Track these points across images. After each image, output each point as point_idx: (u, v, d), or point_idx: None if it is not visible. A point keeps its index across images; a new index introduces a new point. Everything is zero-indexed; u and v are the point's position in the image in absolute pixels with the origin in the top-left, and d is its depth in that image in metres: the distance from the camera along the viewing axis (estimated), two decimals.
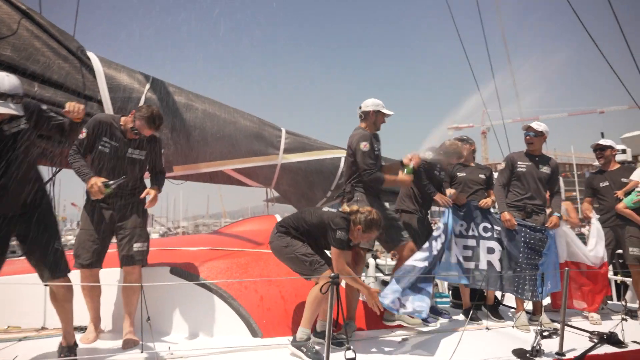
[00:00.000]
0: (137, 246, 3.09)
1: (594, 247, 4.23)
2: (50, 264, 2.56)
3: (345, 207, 3.16)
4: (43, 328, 3.19)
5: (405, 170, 3.75)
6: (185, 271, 3.32)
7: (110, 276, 3.19)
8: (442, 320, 3.94)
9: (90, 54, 4.01)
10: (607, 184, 4.55)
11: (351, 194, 3.62)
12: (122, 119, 3.22)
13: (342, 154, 4.95)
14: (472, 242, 3.97)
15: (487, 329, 3.64)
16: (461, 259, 3.91)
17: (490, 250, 3.97)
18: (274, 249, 3.14)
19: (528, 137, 4.21)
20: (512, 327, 3.81)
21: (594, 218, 4.44)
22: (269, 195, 5.17)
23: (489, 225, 4.03)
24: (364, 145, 3.54)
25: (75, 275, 2.88)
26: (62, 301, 2.65)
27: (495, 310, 4.12)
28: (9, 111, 2.45)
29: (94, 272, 3.03)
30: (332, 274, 2.40)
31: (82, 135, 3.06)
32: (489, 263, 3.96)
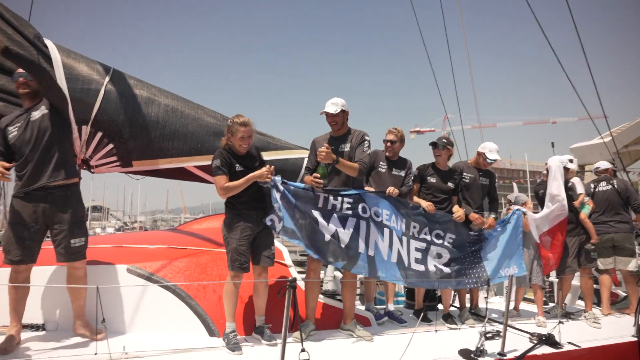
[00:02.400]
0: (74, 242, 2.98)
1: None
2: None
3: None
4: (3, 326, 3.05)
5: (320, 170, 3.49)
6: (143, 270, 3.28)
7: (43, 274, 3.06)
8: (395, 323, 4.09)
9: (48, 42, 3.85)
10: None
11: None
12: None
13: (305, 154, 4.99)
14: (422, 245, 4.01)
15: (436, 330, 3.81)
16: (411, 260, 3.90)
17: (439, 256, 4.08)
18: None
19: (490, 162, 4.58)
20: (459, 326, 4.05)
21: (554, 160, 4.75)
22: None
23: (442, 233, 4.12)
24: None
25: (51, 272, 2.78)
26: None
27: (450, 317, 4.27)
28: None
29: (22, 269, 2.88)
30: (290, 278, 2.46)
31: None
32: (436, 267, 4.03)
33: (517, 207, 4.55)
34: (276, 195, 3.33)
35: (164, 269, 3.38)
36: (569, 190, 4.92)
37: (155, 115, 4.30)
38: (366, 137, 3.66)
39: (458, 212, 4.21)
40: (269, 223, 3.29)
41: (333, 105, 3.59)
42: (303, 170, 4.43)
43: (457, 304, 4.79)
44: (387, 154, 4.20)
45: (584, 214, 4.95)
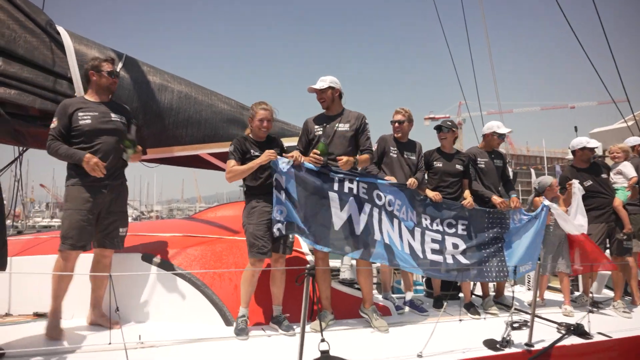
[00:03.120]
0: (122, 231, 3.10)
1: (575, 216, 4.38)
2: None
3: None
4: (7, 314, 3.06)
5: (320, 146, 3.34)
6: (158, 258, 3.23)
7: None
8: (417, 313, 3.99)
9: (60, 29, 3.78)
10: (591, 182, 4.65)
11: None
12: None
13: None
14: (437, 236, 3.90)
15: (460, 320, 3.70)
16: (426, 252, 3.78)
17: (455, 246, 3.95)
18: None
19: (501, 140, 4.51)
20: (482, 314, 3.93)
21: (576, 187, 4.49)
22: None
23: (453, 222, 3.99)
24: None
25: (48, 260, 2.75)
26: None
27: (472, 307, 4.13)
28: None
29: (75, 256, 2.90)
30: (308, 266, 2.37)
31: None
32: (454, 257, 3.91)
33: (545, 202, 4.32)
34: (281, 180, 3.20)
35: (179, 257, 3.33)
36: (619, 174, 4.72)
37: (168, 101, 4.23)
38: (366, 121, 3.59)
39: (468, 198, 4.09)
40: (277, 233, 3.14)
41: (320, 82, 3.55)
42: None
43: (477, 292, 4.67)
44: (396, 135, 4.07)
45: (619, 200, 4.62)
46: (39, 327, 2.82)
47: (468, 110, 9.16)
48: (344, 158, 3.30)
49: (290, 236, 3.29)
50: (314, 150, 3.34)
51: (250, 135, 3.40)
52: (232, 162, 3.22)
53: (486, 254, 4.04)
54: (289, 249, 3.29)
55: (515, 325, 3.35)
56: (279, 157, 3.23)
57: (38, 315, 3.04)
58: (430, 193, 3.98)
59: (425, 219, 3.88)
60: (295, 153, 3.31)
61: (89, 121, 2.97)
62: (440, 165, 4.25)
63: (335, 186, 3.37)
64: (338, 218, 3.34)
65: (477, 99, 7.82)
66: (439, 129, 4.35)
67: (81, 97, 3.12)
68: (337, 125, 3.51)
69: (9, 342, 2.59)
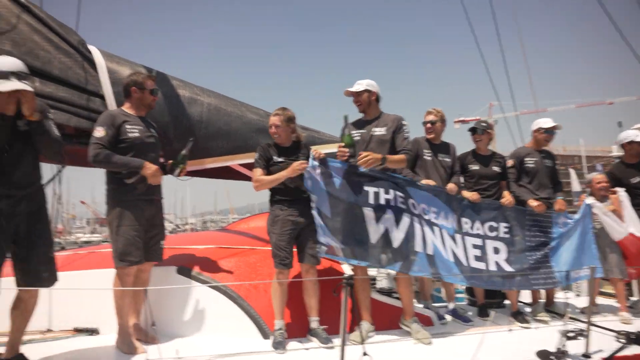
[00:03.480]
0: (162, 243, 3.12)
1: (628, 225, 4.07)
2: (49, 270, 2.52)
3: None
4: (49, 330, 3.09)
5: (345, 139, 3.20)
6: (193, 271, 3.21)
7: (98, 277, 3.03)
8: (460, 322, 3.80)
9: (92, 48, 3.88)
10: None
11: None
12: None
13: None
14: (479, 241, 3.71)
15: (510, 330, 3.49)
16: (469, 259, 3.61)
17: (496, 251, 3.75)
18: None
19: (550, 136, 4.26)
20: (531, 321, 3.72)
21: (622, 195, 4.19)
22: None
23: (494, 224, 3.79)
24: None
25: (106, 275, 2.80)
26: (29, 311, 2.53)
27: (520, 315, 3.88)
28: (20, 86, 2.36)
29: (134, 271, 2.94)
30: (346, 275, 2.27)
31: None
32: (497, 264, 3.71)
33: (587, 201, 4.06)
34: (314, 197, 3.12)
35: (214, 269, 3.30)
36: None
37: (198, 114, 4.27)
38: (404, 122, 3.46)
39: (506, 197, 3.91)
40: (323, 253, 3.06)
41: (357, 85, 3.50)
42: None
43: (524, 299, 4.41)
44: (428, 136, 3.93)
45: None
46: (79, 343, 2.84)
47: (502, 110, 8.84)
48: (364, 153, 3.14)
49: (318, 245, 3.18)
50: (340, 145, 3.23)
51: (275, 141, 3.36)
52: (258, 171, 3.20)
53: (531, 259, 3.82)
54: (315, 259, 3.18)
55: (571, 334, 3.12)
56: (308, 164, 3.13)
57: (78, 331, 3.07)
58: (467, 194, 3.81)
59: (466, 223, 3.70)
60: (315, 149, 3.25)
61: (137, 134, 2.99)
62: (477, 168, 4.10)
63: (371, 198, 3.23)
64: (375, 231, 3.21)
65: (512, 98, 7.55)
66: (473, 130, 4.20)
67: (121, 109, 3.14)
68: (373, 129, 3.42)
69: (50, 357, 2.60)
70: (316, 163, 3.14)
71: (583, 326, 3.03)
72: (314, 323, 3.13)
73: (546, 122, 4.26)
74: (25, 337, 2.58)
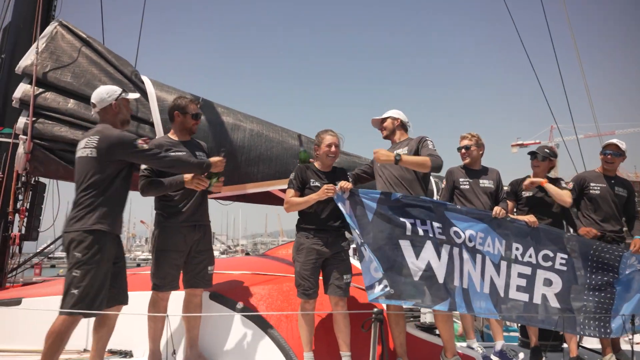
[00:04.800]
0: (210, 269, 3.13)
1: None
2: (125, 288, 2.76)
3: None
4: (85, 350, 3.18)
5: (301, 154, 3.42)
6: (225, 297, 3.20)
7: (136, 300, 3.10)
8: None
9: (144, 78, 4.12)
10: None
11: None
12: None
13: None
14: (527, 270, 3.36)
15: None
16: (510, 289, 3.28)
17: (547, 282, 3.37)
18: None
19: (609, 156, 3.80)
20: None
21: None
22: None
23: (550, 254, 3.40)
24: None
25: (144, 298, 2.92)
26: (111, 327, 2.65)
27: None
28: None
29: (169, 295, 3.01)
30: (376, 310, 2.15)
31: None
32: (544, 297, 3.34)
33: None
34: (354, 232, 3.01)
35: (246, 296, 3.27)
36: None
37: (241, 140, 4.36)
38: (427, 138, 3.35)
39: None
40: (381, 296, 2.86)
41: (384, 114, 3.57)
42: None
43: (587, 343, 3.97)
44: (464, 161, 3.72)
45: None
46: None
47: (561, 134, 8.31)
48: (378, 150, 3.15)
49: (346, 276, 3.05)
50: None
51: (316, 164, 3.28)
52: (291, 192, 3.14)
53: (590, 300, 3.41)
54: (342, 291, 3.03)
55: None
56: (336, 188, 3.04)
57: (112, 353, 3.12)
58: (524, 217, 3.49)
59: (517, 249, 3.36)
60: (342, 182, 3.11)
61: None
62: (530, 194, 3.77)
63: (408, 230, 3.06)
64: (415, 267, 3.01)
65: (571, 120, 7.07)
66: (533, 155, 3.87)
67: (166, 136, 3.24)
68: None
69: None
70: (345, 196, 3.04)
71: None
72: (346, 358, 2.99)
73: (607, 143, 3.86)
74: (63, 356, 2.65)
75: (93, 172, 2.58)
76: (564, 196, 3.64)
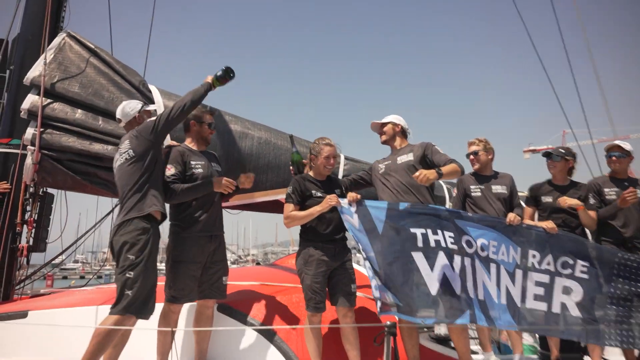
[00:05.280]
0: (224, 279, 3.08)
1: None
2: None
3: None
4: None
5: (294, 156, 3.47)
6: (233, 308, 3.12)
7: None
8: None
9: (152, 87, 4.11)
10: None
11: None
12: None
13: None
14: (545, 278, 3.21)
15: None
16: (527, 298, 3.15)
17: (567, 291, 3.20)
18: None
19: (614, 158, 3.65)
20: None
21: None
22: None
23: (570, 261, 3.24)
24: None
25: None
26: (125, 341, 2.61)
27: None
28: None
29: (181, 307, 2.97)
30: (388, 323, 2.05)
31: None
32: (563, 305, 3.18)
33: None
34: (359, 240, 2.92)
35: (255, 307, 3.19)
36: None
37: (249, 148, 4.32)
38: (432, 143, 3.31)
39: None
40: (380, 311, 2.75)
41: (385, 119, 3.52)
42: None
43: (610, 355, 3.80)
44: (474, 168, 3.61)
45: None
46: None
47: (576, 139, 8.12)
48: (419, 171, 2.96)
49: (352, 285, 2.96)
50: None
51: (310, 173, 3.21)
52: (290, 207, 3.04)
53: (612, 309, 3.24)
54: (350, 301, 2.95)
55: None
56: (341, 200, 2.99)
57: None
58: (542, 223, 3.35)
59: (534, 256, 3.21)
60: (351, 194, 3.04)
61: (201, 170, 3.04)
62: (550, 199, 3.62)
63: (420, 241, 2.95)
64: (431, 279, 2.88)
65: (586, 124, 6.92)
66: (548, 155, 3.73)
67: (185, 145, 3.19)
68: (398, 158, 3.30)
69: None
70: (353, 209, 2.96)
71: None
72: None
73: (610, 146, 3.71)
74: None
75: (136, 169, 2.75)
76: (594, 226, 3.59)
